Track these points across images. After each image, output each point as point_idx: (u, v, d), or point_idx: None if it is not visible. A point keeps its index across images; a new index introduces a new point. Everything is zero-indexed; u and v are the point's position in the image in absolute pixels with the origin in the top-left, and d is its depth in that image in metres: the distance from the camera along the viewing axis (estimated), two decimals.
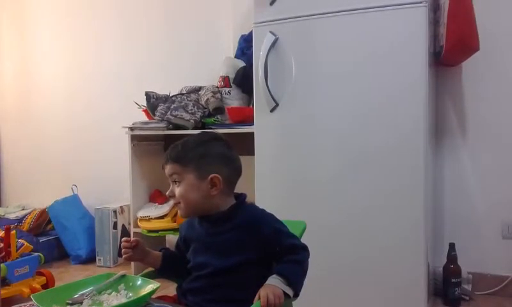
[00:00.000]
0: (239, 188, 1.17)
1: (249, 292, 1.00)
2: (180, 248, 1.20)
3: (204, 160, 1.11)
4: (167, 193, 1.14)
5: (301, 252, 1.09)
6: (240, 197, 1.16)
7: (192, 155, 1.11)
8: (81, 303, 0.95)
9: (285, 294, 1.00)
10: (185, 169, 1.10)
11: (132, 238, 1.15)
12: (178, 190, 1.10)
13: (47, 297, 0.97)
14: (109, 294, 0.99)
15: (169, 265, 1.19)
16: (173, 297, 1.17)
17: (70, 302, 0.95)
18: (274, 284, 1.00)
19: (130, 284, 1.03)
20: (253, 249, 1.07)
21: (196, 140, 1.15)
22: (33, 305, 0.93)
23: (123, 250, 1.13)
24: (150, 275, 1.16)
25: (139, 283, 1.03)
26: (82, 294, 0.98)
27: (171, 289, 1.22)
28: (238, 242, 1.08)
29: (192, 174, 1.09)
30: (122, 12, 3.24)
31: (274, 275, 1.02)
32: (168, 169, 1.12)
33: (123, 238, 1.14)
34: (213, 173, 1.09)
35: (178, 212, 1.15)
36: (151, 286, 0.98)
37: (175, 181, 1.11)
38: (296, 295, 1.03)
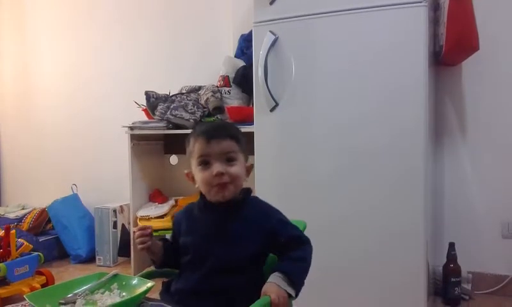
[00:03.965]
0: None
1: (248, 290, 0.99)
2: (176, 240, 1.16)
3: (245, 146, 1.11)
4: (217, 170, 1.03)
5: (306, 246, 1.08)
6: (249, 191, 1.14)
7: (242, 137, 1.10)
8: (74, 303, 0.95)
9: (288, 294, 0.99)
10: (239, 149, 1.08)
11: (147, 225, 1.09)
12: (234, 169, 1.06)
13: (40, 297, 0.97)
14: (102, 293, 0.99)
15: (169, 256, 1.14)
16: None
17: (63, 302, 0.95)
18: (278, 283, 0.98)
19: (123, 283, 1.02)
20: (258, 240, 1.06)
21: (232, 124, 1.14)
22: (27, 305, 0.93)
23: (140, 239, 1.07)
24: (147, 276, 1.14)
25: (132, 282, 1.03)
26: (75, 294, 0.98)
27: None
28: (246, 232, 1.06)
29: (242, 156, 1.09)
30: (122, 12, 3.24)
31: (277, 273, 1.01)
32: (225, 145, 1.06)
33: (138, 227, 1.09)
34: (247, 161, 1.11)
35: (225, 192, 1.05)
36: (145, 285, 0.98)
37: (229, 159, 1.06)
38: (296, 295, 1.03)
